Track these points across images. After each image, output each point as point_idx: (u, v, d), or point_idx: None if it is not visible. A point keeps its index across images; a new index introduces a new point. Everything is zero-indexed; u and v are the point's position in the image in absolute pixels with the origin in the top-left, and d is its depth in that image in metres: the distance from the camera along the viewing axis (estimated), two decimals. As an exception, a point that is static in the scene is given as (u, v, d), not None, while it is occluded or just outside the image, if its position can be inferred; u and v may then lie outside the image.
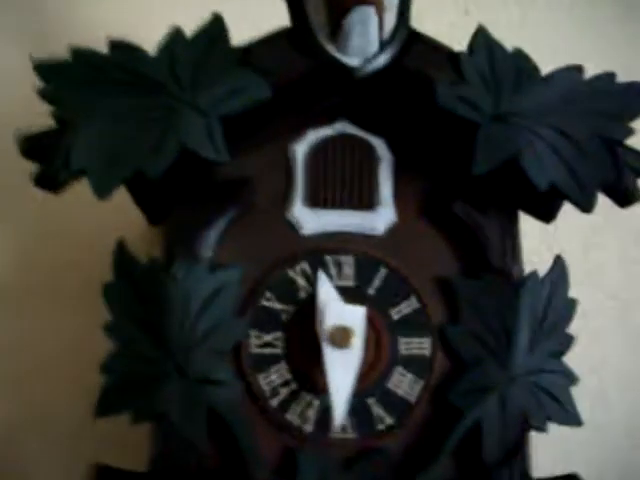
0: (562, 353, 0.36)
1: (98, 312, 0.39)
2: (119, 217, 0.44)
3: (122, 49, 0.33)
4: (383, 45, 0.33)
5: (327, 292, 0.33)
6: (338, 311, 0.32)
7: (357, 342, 0.32)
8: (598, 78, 0.35)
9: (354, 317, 0.33)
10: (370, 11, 0.32)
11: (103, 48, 0.33)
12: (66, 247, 0.43)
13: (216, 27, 0.33)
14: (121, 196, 0.42)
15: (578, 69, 0.35)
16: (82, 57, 0.33)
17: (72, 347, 0.42)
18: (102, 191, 0.32)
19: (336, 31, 0.33)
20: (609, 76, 0.35)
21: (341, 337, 0.32)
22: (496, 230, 0.35)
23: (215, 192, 0.35)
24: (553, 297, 0.35)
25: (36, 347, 0.42)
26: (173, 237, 0.35)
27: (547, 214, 0.37)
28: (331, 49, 0.33)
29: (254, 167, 0.36)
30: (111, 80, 0.33)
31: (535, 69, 0.35)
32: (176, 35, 0.33)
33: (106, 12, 0.49)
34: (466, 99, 0.33)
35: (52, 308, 0.42)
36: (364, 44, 0.33)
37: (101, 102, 0.32)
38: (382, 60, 0.33)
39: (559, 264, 0.36)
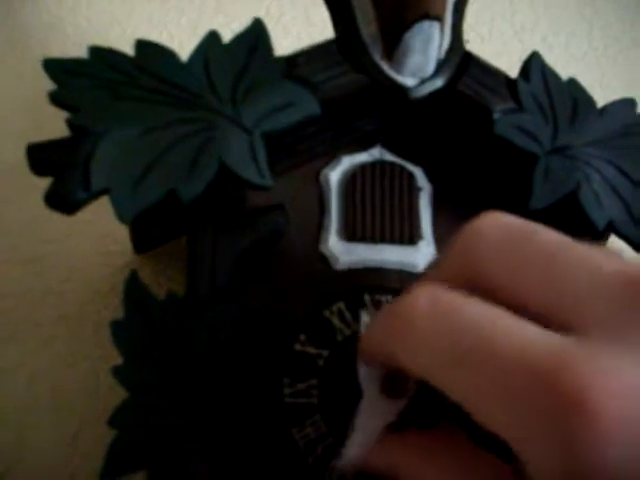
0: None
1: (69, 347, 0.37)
2: (96, 243, 0.39)
3: (149, 50, 0.29)
4: (440, 66, 0.31)
5: None
6: None
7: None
8: (650, 113, 0.33)
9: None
10: (435, 27, 0.29)
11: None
12: (40, 275, 0.38)
13: (257, 33, 0.30)
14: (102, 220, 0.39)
15: (631, 103, 0.33)
16: (102, 57, 0.28)
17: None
18: (126, 214, 0.27)
19: (391, 46, 0.30)
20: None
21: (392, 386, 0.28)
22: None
23: (244, 220, 0.31)
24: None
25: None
26: (196, 269, 0.30)
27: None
28: (384, 66, 0.30)
29: (284, 193, 0.32)
30: (137, 85, 0.28)
31: (591, 101, 0.33)
32: (212, 40, 0.29)
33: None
34: (525, 129, 0.31)
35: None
36: (423, 63, 0.30)
37: (126, 109, 0.28)
38: (439, 82, 0.31)
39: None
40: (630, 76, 0.52)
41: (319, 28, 0.47)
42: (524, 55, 0.34)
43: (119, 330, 0.29)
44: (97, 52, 0.28)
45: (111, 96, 0.28)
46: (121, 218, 0.27)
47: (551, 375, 0.16)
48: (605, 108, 0.33)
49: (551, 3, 0.54)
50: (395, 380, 0.29)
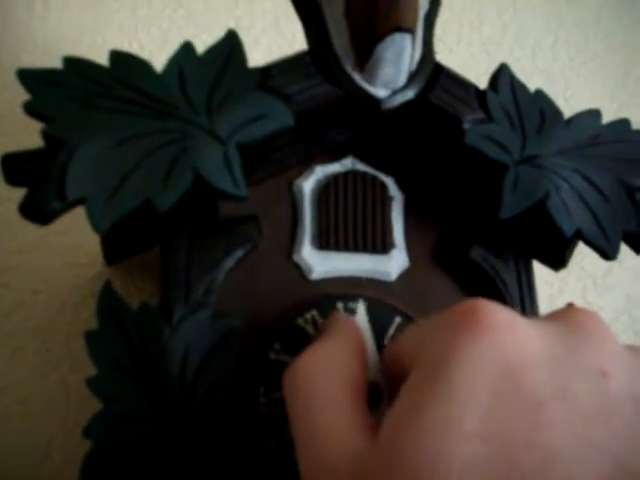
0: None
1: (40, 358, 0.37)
2: (66, 255, 0.39)
3: (124, 61, 0.29)
4: (411, 77, 0.31)
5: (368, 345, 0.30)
6: (373, 367, 0.29)
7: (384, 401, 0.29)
8: (614, 124, 0.34)
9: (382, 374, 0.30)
10: (407, 39, 0.29)
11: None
12: (10, 286, 0.37)
13: (231, 44, 0.30)
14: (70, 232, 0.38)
15: (597, 113, 0.34)
16: (77, 67, 0.28)
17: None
18: (101, 224, 0.27)
19: (363, 58, 0.30)
20: (624, 122, 0.34)
21: (373, 396, 0.29)
22: (513, 277, 0.34)
23: (217, 230, 0.31)
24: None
25: None
26: (170, 279, 0.30)
27: (558, 261, 0.36)
28: (357, 77, 0.31)
29: (257, 203, 0.32)
30: (112, 96, 0.28)
31: (558, 111, 0.33)
32: (186, 51, 0.29)
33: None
34: (494, 139, 0.31)
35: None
36: (394, 75, 0.30)
37: (101, 119, 0.28)
38: (410, 93, 0.31)
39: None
40: (593, 88, 0.53)
41: (289, 40, 0.48)
42: (492, 66, 0.35)
43: (93, 340, 0.29)
44: (71, 62, 0.28)
45: (86, 107, 0.28)
46: (96, 228, 0.27)
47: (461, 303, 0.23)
48: (572, 119, 0.34)
49: (518, 15, 0.55)
50: (374, 390, 0.29)
